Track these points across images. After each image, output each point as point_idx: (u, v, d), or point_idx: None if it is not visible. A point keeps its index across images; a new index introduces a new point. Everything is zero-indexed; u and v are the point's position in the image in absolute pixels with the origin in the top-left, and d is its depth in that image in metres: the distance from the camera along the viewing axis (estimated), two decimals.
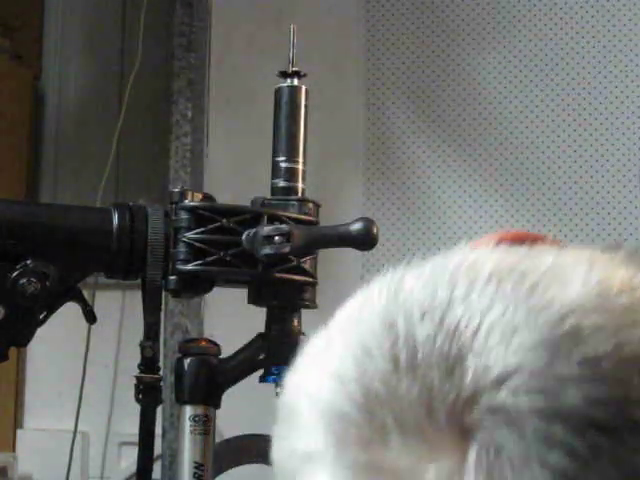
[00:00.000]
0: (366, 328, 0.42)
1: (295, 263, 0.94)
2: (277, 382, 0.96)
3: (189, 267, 0.91)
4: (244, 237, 0.92)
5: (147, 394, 0.91)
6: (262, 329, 0.97)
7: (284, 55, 1.00)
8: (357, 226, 0.91)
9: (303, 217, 0.96)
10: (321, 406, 0.42)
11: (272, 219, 0.93)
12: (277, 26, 3.31)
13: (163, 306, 0.93)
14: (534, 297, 0.40)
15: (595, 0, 3.20)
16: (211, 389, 0.92)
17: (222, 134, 3.33)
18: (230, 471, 0.99)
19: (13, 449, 3.37)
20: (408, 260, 0.45)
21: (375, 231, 0.92)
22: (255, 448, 1.01)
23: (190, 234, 0.92)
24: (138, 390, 0.91)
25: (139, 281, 0.93)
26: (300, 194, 0.98)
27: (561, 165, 3.17)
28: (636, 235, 3.06)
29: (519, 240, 0.54)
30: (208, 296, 0.99)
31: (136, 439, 0.93)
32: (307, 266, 0.96)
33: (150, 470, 0.94)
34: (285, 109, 0.99)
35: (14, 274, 0.87)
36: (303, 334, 0.97)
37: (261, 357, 0.94)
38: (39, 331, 0.90)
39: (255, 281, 0.95)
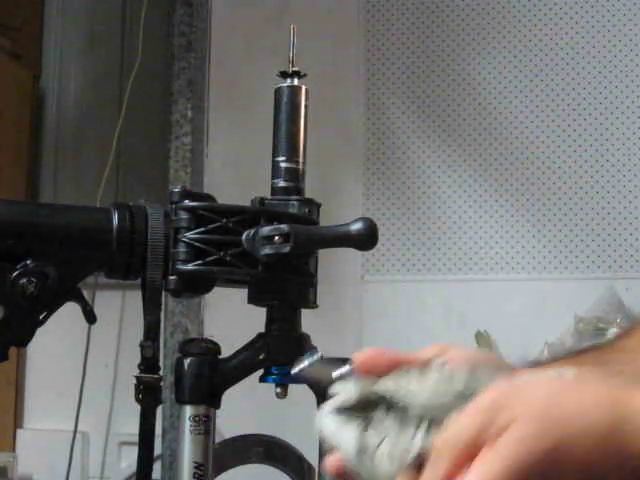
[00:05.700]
0: None
1: (295, 263, 0.94)
2: (277, 382, 0.96)
3: (189, 267, 0.91)
4: (244, 237, 0.92)
5: (147, 394, 0.91)
6: (262, 329, 0.97)
7: (284, 55, 1.00)
8: (357, 226, 0.91)
9: (303, 217, 0.96)
10: None
11: (272, 219, 0.93)
12: (277, 26, 3.31)
13: (163, 306, 0.93)
14: None
15: (595, 0, 3.20)
16: (211, 389, 0.92)
17: (222, 134, 3.33)
18: (230, 471, 0.99)
19: (13, 449, 3.37)
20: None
21: (375, 231, 0.91)
22: (255, 448, 1.01)
23: (190, 234, 0.92)
24: (138, 390, 0.91)
25: (139, 281, 0.92)
26: (300, 194, 0.98)
27: (561, 165, 3.17)
28: (636, 235, 3.06)
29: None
30: (208, 296, 0.98)
31: (136, 439, 0.93)
32: (307, 266, 0.96)
33: (150, 470, 0.94)
34: (285, 109, 0.99)
35: (14, 274, 0.87)
36: (303, 334, 0.97)
37: (261, 357, 0.94)
38: (39, 331, 0.90)
39: (255, 281, 0.95)
